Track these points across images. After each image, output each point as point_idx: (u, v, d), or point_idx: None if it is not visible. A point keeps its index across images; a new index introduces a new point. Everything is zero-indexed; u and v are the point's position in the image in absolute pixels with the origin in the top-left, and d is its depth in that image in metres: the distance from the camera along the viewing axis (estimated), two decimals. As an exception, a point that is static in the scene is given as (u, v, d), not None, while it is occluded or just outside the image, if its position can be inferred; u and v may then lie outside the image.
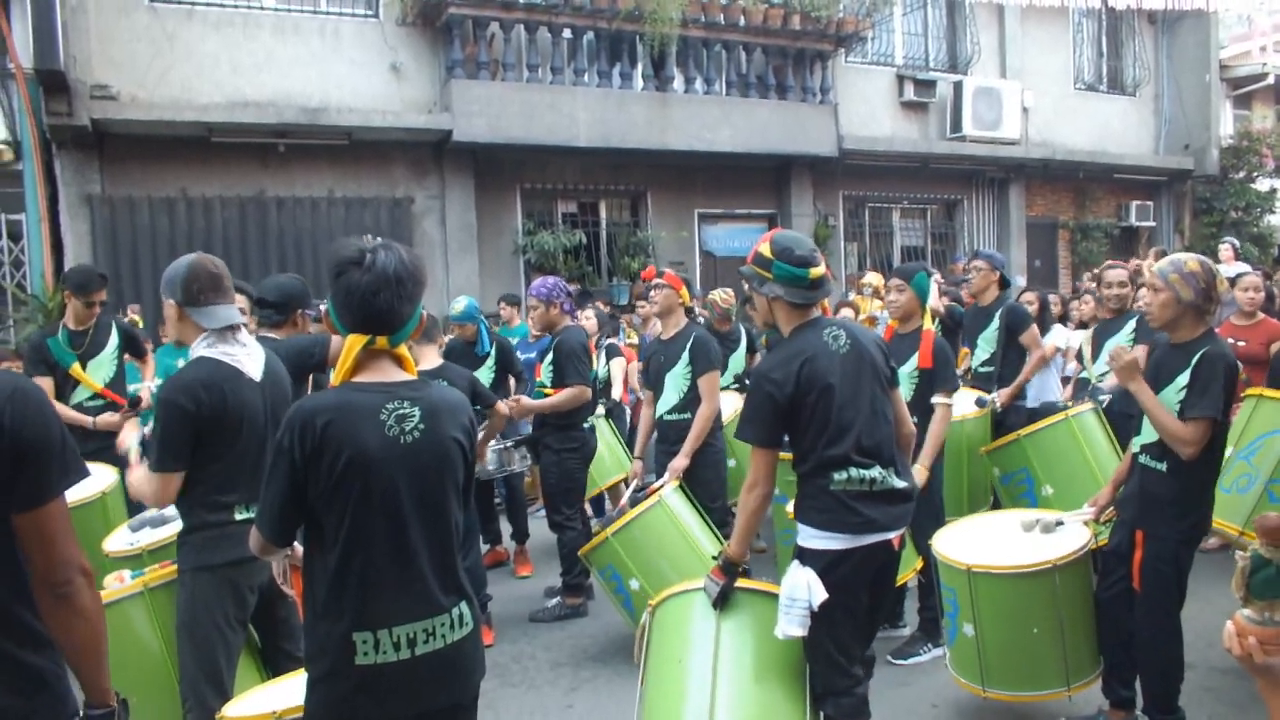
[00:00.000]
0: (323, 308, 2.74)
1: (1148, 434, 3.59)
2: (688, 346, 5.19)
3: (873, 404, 3.13)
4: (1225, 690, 4.16)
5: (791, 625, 3.01)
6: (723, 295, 7.02)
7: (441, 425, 2.27)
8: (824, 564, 3.03)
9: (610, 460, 6.49)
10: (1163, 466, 3.52)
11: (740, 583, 3.24)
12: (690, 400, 5.18)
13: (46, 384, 5.27)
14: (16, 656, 1.78)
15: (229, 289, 3.16)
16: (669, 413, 5.29)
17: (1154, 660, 3.59)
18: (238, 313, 3.17)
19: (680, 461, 5.01)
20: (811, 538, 3.09)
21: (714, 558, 3.29)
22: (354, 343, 2.24)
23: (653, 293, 5.43)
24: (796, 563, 3.10)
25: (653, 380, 5.41)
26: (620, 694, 4.46)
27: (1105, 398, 5.38)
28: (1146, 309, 3.68)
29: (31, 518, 1.76)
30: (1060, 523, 3.96)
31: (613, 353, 7.67)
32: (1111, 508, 3.88)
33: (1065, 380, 6.89)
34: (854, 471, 3.04)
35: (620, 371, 7.50)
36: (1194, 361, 3.42)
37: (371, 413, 2.20)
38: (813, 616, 3.00)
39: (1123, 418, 5.14)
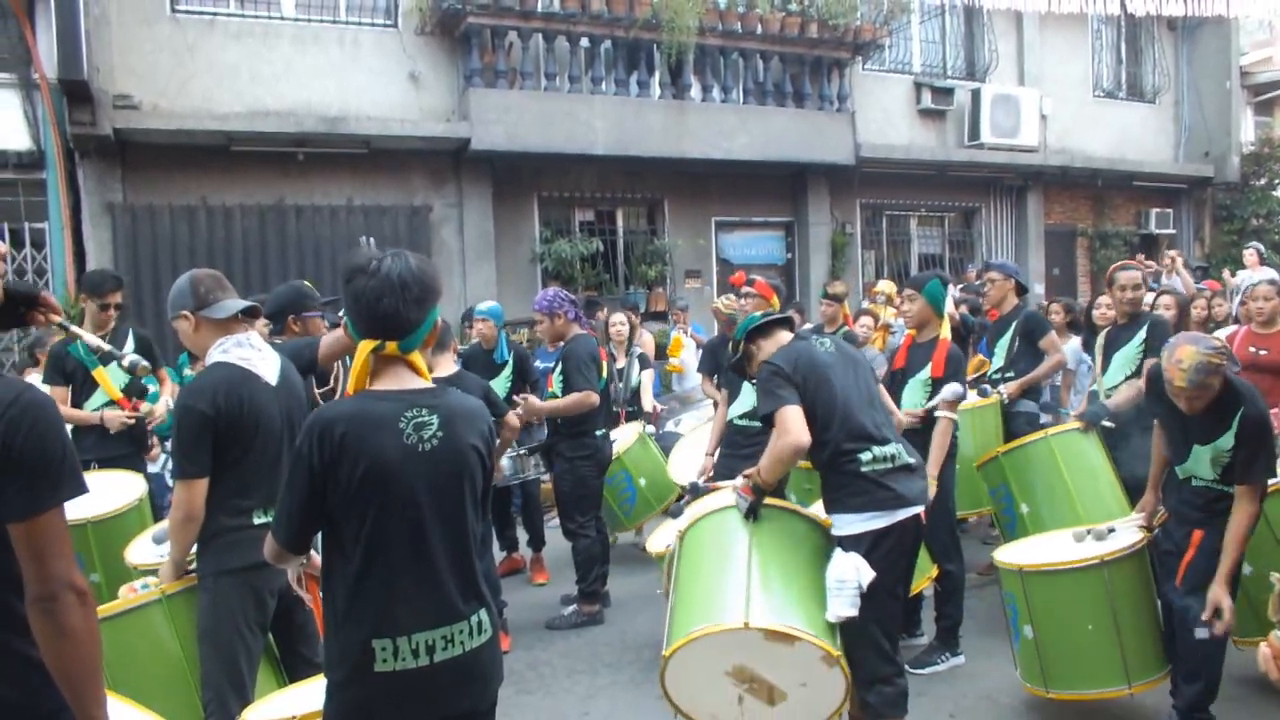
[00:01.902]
0: (341, 315, 2.78)
1: (1200, 469, 3.64)
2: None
3: (868, 393, 3.41)
4: (1244, 698, 4.12)
5: (843, 607, 3.13)
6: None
7: (460, 432, 2.28)
8: (867, 546, 3.21)
9: (663, 484, 6.50)
10: (1229, 489, 3.58)
11: (769, 501, 3.40)
12: None
13: (62, 394, 5.24)
14: (16, 648, 1.77)
15: (229, 286, 3.27)
16: (739, 417, 5.31)
17: (1203, 658, 3.59)
18: (241, 301, 3.25)
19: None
20: (850, 524, 3.27)
21: (745, 476, 3.40)
22: (364, 348, 2.26)
23: (744, 300, 5.46)
24: (839, 550, 3.24)
25: (729, 381, 5.44)
26: (637, 701, 4.47)
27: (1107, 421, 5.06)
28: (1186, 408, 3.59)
29: (23, 529, 1.74)
30: (1112, 530, 4.03)
31: (644, 363, 7.68)
32: (1162, 511, 3.93)
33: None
34: (877, 449, 3.27)
35: (649, 382, 7.50)
36: (1236, 426, 3.49)
37: (390, 421, 2.21)
38: (861, 600, 3.12)
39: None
